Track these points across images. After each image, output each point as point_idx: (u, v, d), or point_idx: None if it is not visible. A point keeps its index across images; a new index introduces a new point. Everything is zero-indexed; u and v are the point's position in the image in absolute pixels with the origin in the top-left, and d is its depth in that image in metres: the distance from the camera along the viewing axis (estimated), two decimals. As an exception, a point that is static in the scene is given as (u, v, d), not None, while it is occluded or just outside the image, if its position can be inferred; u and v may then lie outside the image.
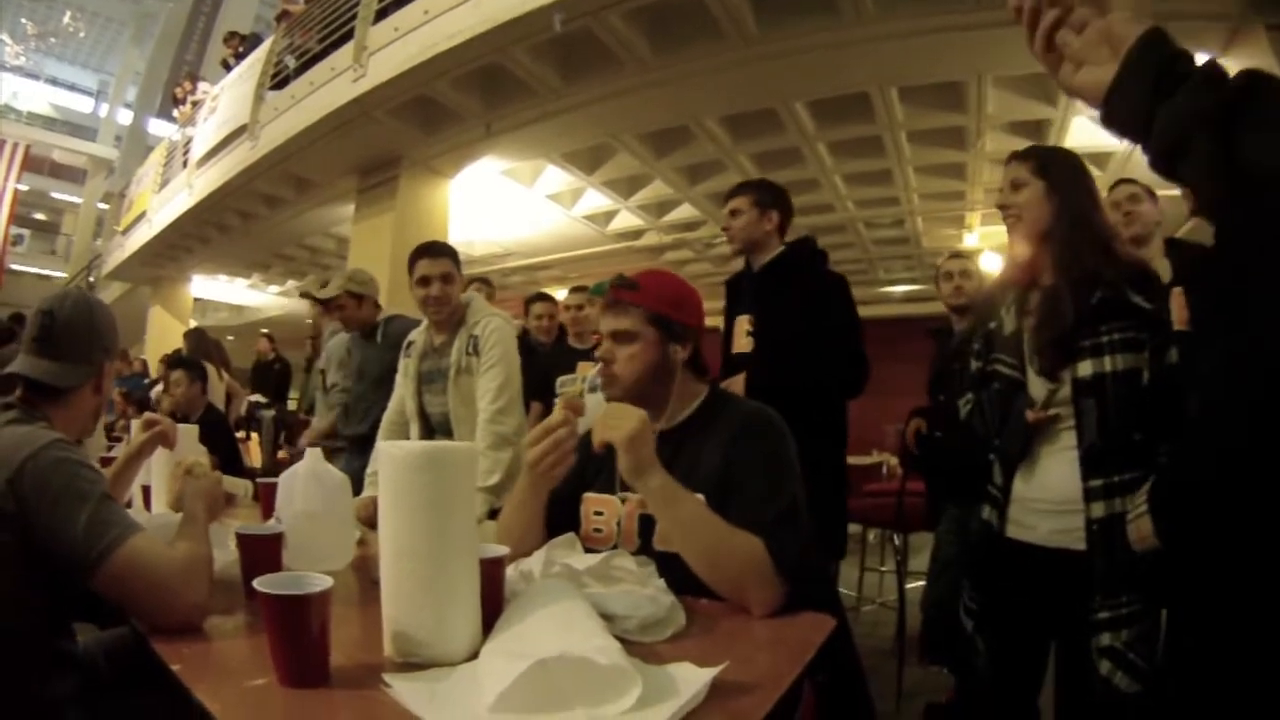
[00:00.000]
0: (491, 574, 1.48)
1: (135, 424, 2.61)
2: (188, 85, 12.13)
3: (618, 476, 1.91)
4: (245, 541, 1.84)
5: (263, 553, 1.83)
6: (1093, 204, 2.21)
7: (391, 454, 1.36)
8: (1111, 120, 1.07)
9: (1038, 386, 2.19)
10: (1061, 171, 2.23)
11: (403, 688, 1.20)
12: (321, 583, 1.30)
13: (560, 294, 13.97)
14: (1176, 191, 2.44)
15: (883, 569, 6.17)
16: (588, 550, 1.93)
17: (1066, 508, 2.10)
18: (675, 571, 1.73)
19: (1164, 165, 1.02)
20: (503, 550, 1.54)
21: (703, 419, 2.03)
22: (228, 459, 4.33)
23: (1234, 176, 0.95)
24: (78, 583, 1.55)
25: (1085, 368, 2.07)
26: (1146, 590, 1.97)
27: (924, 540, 4.70)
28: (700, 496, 1.80)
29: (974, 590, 2.37)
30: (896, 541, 4.86)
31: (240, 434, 8.06)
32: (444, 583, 1.35)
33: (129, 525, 1.59)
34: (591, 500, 2.07)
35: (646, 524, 1.93)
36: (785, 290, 3.39)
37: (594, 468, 2.06)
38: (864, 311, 3.43)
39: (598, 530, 2.03)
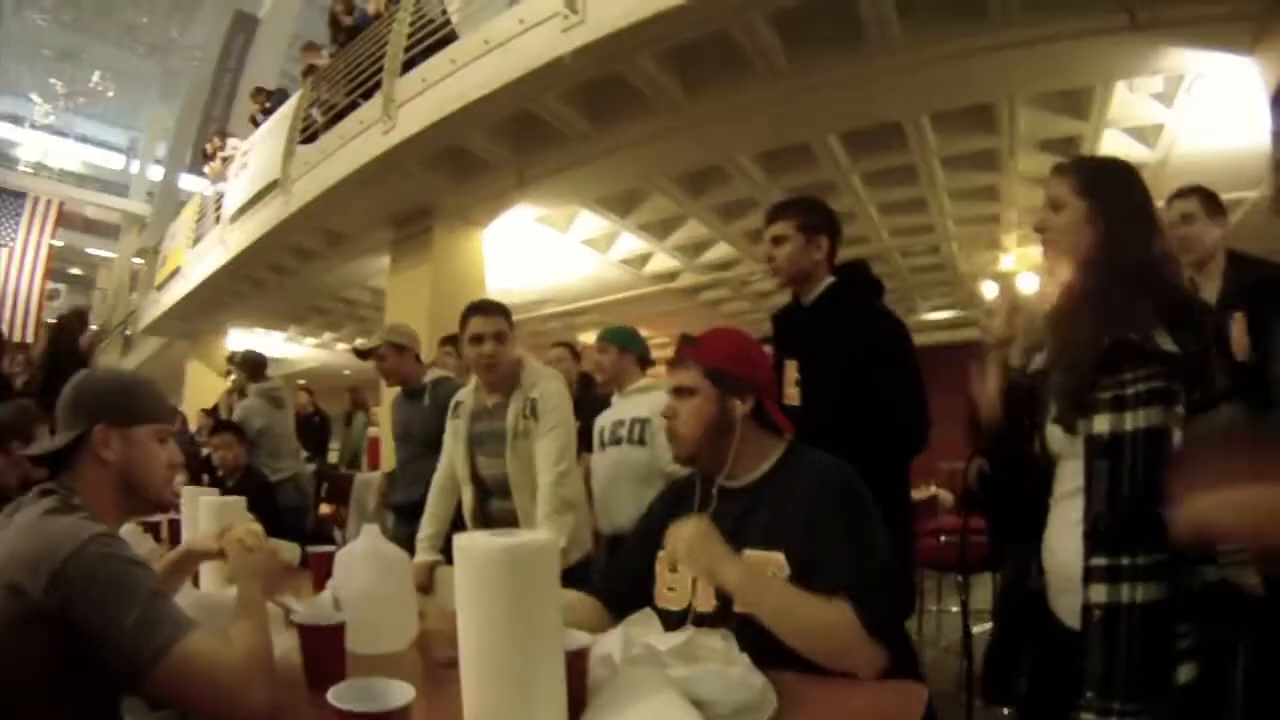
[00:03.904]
0: (575, 666, 1.40)
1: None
2: (217, 141, 12.24)
3: None
4: (307, 633, 1.78)
5: (325, 644, 1.77)
6: (1143, 228, 1.87)
7: (469, 551, 1.28)
8: None
9: (1056, 438, 1.88)
10: (1108, 191, 1.90)
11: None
12: (403, 694, 1.23)
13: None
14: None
15: (939, 609, 6.05)
16: (662, 609, 1.94)
17: (1077, 585, 1.77)
18: (759, 637, 1.70)
19: None
20: (587, 640, 1.47)
21: (779, 477, 2.02)
22: (272, 523, 4.29)
23: None
24: (128, 685, 1.49)
25: (1102, 423, 1.73)
26: (1158, 699, 1.64)
27: (979, 579, 4.62)
28: (782, 577, 1.78)
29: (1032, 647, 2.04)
30: (960, 580, 4.74)
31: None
32: (531, 682, 1.28)
33: (182, 624, 1.50)
34: (666, 559, 2.06)
35: None
36: (835, 333, 2.95)
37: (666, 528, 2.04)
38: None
39: (671, 589, 2.03)
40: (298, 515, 5.92)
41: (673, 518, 2.01)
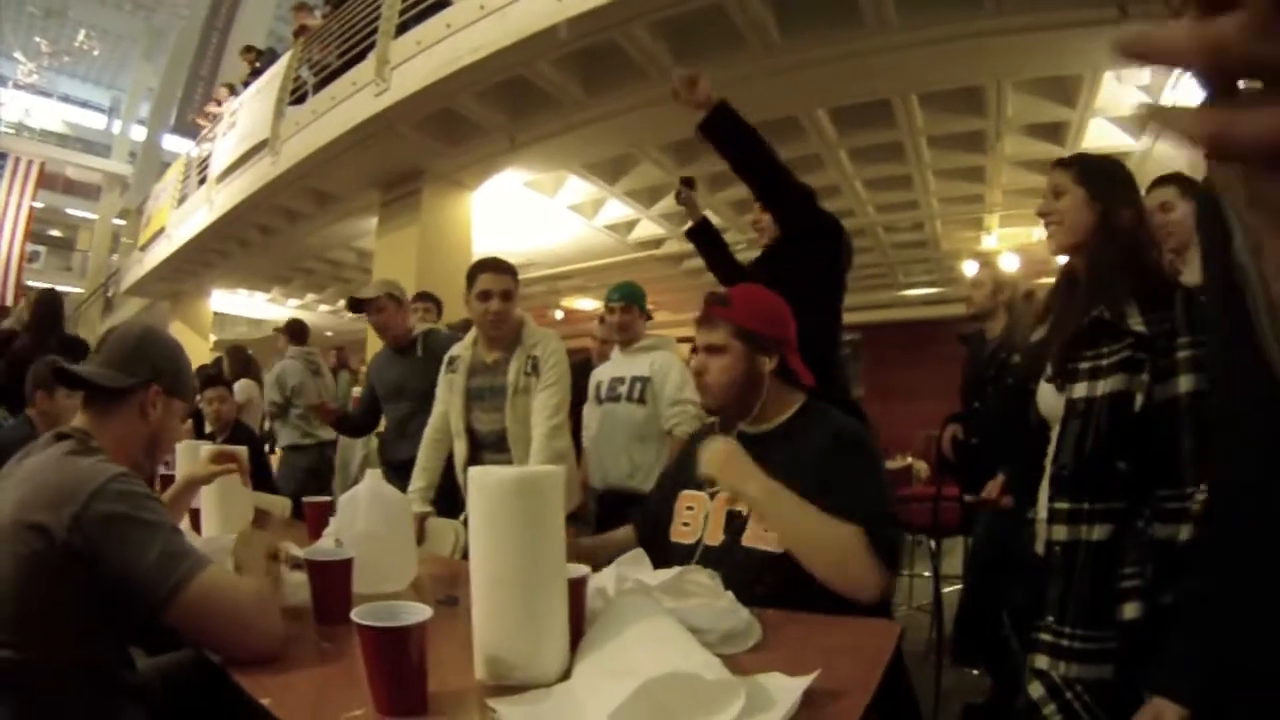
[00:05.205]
0: (576, 593, 1.50)
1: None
2: (224, 91, 12.06)
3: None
4: (316, 569, 1.83)
5: (334, 579, 1.82)
6: (1132, 214, 2.08)
7: (483, 482, 1.38)
8: None
9: (1048, 398, 2.09)
10: (1102, 180, 2.14)
11: (510, 712, 1.23)
12: (420, 613, 1.31)
13: (580, 303, 13.94)
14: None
15: (910, 574, 6.16)
16: (674, 544, 2.16)
17: None
18: (761, 569, 1.88)
19: None
20: (584, 570, 1.57)
21: (797, 425, 2.17)
22: (261, 476, 4.34)
23: None
24: (149, 617, 1.53)
25: (1080, 389, 1.99)
26: (1106, 631, 1.85)
27: (950, 544, 4.73)
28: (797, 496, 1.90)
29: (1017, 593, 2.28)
30: (933, 546, 4.85)
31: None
32: (540, 606, 1.38)
33: (200, 558, 1.57)
34: (685, 497, 2.24)
35: (733, 520, 2.07)
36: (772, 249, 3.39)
37: (691, 468, 2.20)
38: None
39: (686, 524, 2.19)
40: (313, 478, 5.97)
41: (692, 462, 2.20)
